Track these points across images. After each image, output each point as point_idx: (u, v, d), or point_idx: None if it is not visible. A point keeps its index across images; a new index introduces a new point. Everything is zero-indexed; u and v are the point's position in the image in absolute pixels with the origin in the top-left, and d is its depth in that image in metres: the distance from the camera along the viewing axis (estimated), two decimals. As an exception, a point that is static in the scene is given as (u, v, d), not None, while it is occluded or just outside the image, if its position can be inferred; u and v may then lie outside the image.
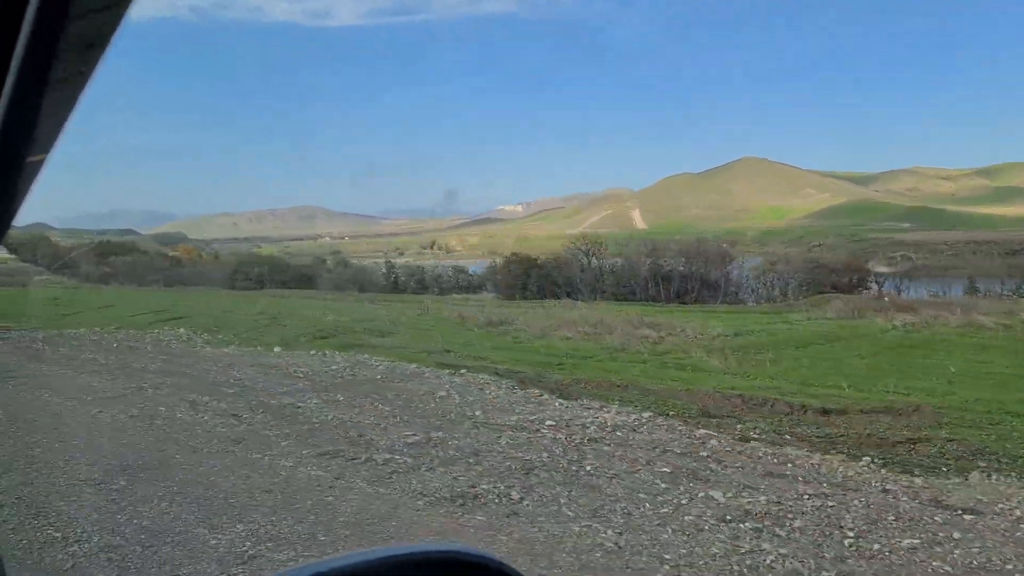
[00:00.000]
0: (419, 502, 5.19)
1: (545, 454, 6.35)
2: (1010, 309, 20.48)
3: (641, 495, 5.35)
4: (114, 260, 43.19)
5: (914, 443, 7.53)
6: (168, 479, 5.55)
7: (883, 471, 6.35)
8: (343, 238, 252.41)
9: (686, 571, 4.12)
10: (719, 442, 7.04)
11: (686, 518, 4.92)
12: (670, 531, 4.68)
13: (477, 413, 7.88)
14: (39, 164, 0.58)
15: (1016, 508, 5.28)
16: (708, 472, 5.99)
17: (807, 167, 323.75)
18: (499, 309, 21.17)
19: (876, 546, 4.48)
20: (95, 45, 0.51)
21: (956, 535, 4.67)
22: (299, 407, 8.02)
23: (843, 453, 7.04)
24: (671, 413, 8.51)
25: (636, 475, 5.85)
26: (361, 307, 21.44)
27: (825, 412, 8.89)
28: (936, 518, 4.99)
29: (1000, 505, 5.35)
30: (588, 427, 7.40)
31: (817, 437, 7.75)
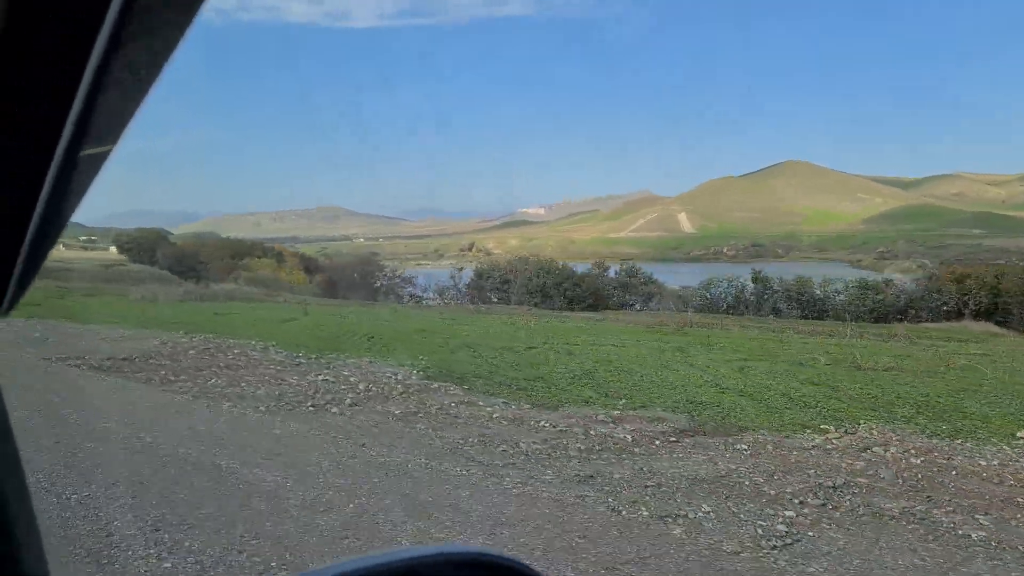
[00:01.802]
0: None
1: None
2: None
3: None
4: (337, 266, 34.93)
5: None
6: None
7: None
8: (378, 239, 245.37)
9: None
10: None
11: None
12: None
13: None
14: (102, 158, 0.56)
15: None
16: None
17: (848, 171, 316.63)
18: None
19: None
20: (171, 36, 0.49)
21: None
22: None
23: None
24: None
25: None
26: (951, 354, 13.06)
27: None
28: None
29: None
30: None
31: None
